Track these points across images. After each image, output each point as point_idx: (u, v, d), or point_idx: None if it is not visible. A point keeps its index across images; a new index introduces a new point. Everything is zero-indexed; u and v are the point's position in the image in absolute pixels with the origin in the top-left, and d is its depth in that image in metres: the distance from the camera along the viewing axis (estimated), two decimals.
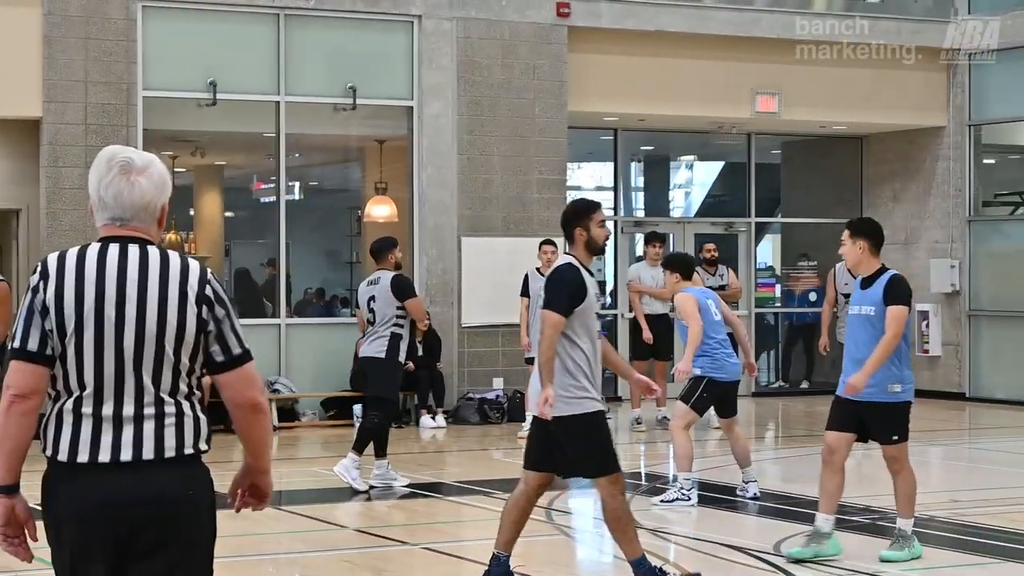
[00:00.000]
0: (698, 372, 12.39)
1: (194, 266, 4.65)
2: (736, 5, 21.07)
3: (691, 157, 26.15)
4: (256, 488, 4.90)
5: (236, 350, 4.67)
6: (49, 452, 4.59)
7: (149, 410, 4.56)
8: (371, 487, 13.15)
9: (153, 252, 4.62)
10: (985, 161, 23.07)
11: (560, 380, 8.59)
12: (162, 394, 4.58)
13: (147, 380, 4.55)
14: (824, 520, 10.02)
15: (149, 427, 4.55)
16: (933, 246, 22.64)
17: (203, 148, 19.81)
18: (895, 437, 9.94)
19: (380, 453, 13.33)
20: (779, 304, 24.20)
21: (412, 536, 11.41)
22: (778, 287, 24.28)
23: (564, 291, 8.72)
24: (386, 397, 13.49)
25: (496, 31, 19.62)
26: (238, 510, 4.96)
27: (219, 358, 4.65)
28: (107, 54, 17.76)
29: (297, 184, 20.59)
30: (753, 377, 15.08)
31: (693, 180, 26.75)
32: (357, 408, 18.03)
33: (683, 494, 12.44)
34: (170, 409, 4.58)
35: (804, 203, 24.55)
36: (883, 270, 10.10)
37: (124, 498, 4.51)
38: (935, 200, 22.69)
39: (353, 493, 12.97)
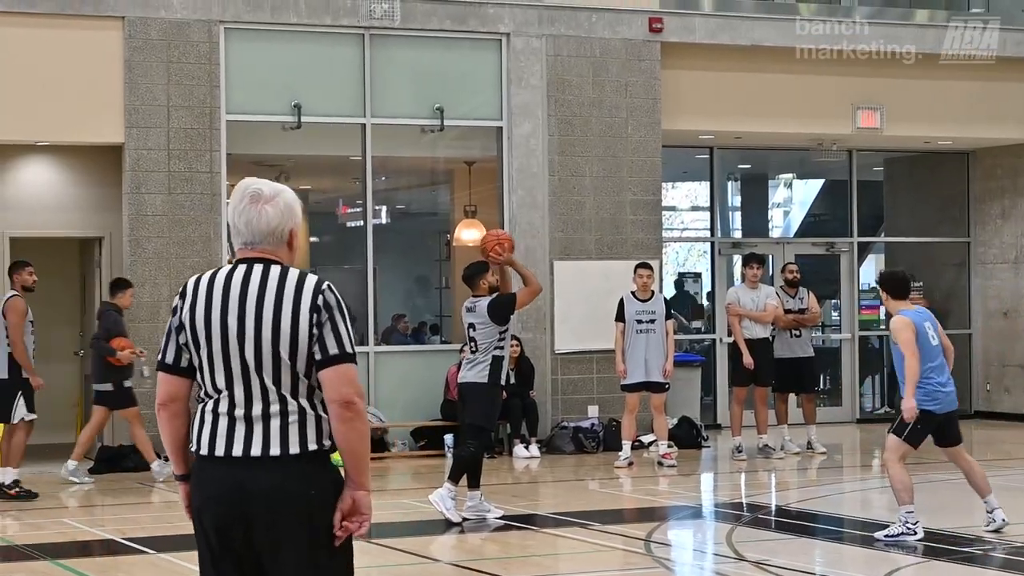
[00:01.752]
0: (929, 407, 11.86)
1: (310, 280, 5.25)
2: (835, 18, 20.89)
3: (790, 175, 25.95)
4: (355, 507, 5.23)
5: (333, 350, 5.17)
6: (193, 447, 5.29)
7: (274, 408, 5.17)
8: (464, 519, 13.08)
9: (275, 269, 5.27)
10: None
11: None
12: (284, 394, 5.18)
13: (269, 383, 5.18)
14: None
15: (275, 425, 5.17)
16: None
17: (288, 172, 19.86)
18: None
19: (474, 484, 13.26)
20: (883, 327, 23.95)
21: (507, 570, 11.34)
22: (883, 309, 24.01)
23: None
24: (483, 426, 13.41)
25: (586, 48, 19.57)
26: (339, 534, 5.24)
27: (318, 356, 5.17)
28: (189, 78, 17.86)
29: (384, 208, 20.61)
30: None
31: (792, 199, 26.54)
32: (448, 438, 17.99)
33: (908, 528, 11.86)
34: (292, 408, 5.18)
35: (909, 222, 24.29)
36: None
37: (252, 488, 5.11)
38: None
39: (447, 525, 12.92)
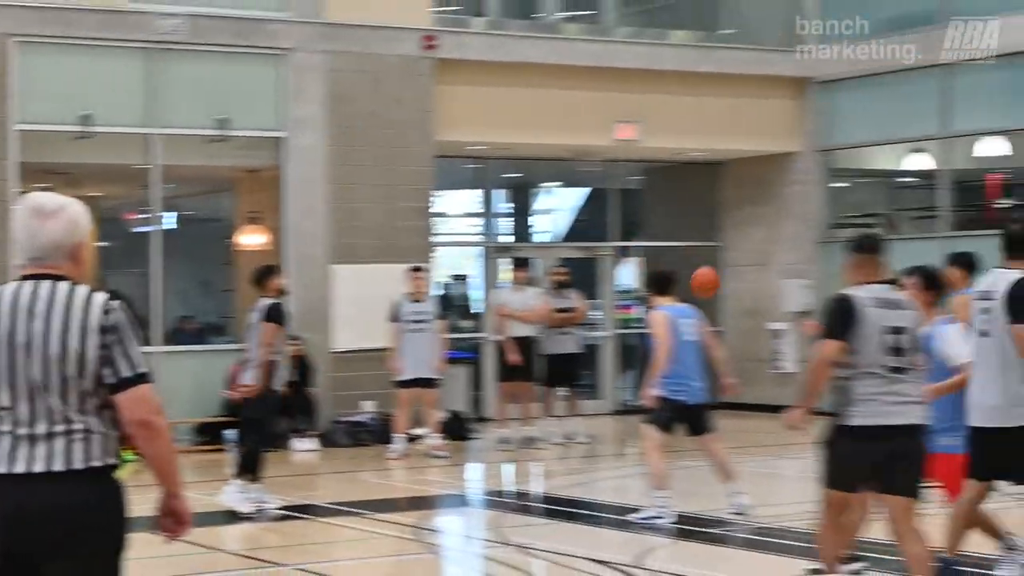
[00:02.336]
0: (663, 394, 12.34)
1: (98, 298, 5.01)
2: (597, 37, 21.39)
3: (555, 184, 26.41)
4: (173, 512, 5.19)
5: (125, 372, 4.98)
6: None
7: (59, 427, 4.94)
8: (248, 511, 13.15)
9: (62, 287, 5.01)
10: (835, 185, 23.54)
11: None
12: (71, 413, 4.95)
13: (55, 402, 4.94)
14: None
15: (59, 443, 4.93)
16: (786, 267, 23.08)
17: (78, 180, 19.68)
18: None
19: (254, 477, 13.35)
20: (639, 325, 24.48)
21: (285, 557, 11.48)
22: (638, 309, 24.56)
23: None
24: (262, 420, 13.49)
25: (364, 64, 19.74)
26: (167, 538, 5.27)
27: (110, 380, 4.98)
28: None
29: (170, 214, 20.54)
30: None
31: (557, 206, 27.02)
32: (229, 433, 18.00)
33: (660, 511, 12.30)
34: (78, 426, 4.95)
35: (664, 227, 24.89)
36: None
37: (35, 505, 4.89)
38: (788, 223, 23.13)
39: (233, 516, 12.98)
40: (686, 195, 24.90)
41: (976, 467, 9.06)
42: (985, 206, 22.99)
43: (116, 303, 5.06)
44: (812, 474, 12.33)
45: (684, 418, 12.45)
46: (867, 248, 8.57)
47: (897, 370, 8.26)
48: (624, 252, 24.54)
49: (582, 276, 21.96)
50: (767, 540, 11.52)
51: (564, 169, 24.49)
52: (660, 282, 12.91)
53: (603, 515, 13.13)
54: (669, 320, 12.35)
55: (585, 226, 25.69)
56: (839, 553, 8.71)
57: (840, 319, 8.30)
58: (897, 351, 8.25)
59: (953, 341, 9.44)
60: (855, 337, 8.27)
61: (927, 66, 21.19)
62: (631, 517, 12.45)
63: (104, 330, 4.98)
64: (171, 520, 5.21)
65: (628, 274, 24.92)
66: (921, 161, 22.41)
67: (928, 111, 21.30)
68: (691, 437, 12.70)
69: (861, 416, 8.30)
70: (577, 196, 26.86)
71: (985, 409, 8.91)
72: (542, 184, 26.31)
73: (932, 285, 9.68)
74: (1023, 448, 8.88)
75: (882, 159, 24.18)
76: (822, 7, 22.75)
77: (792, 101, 22.86)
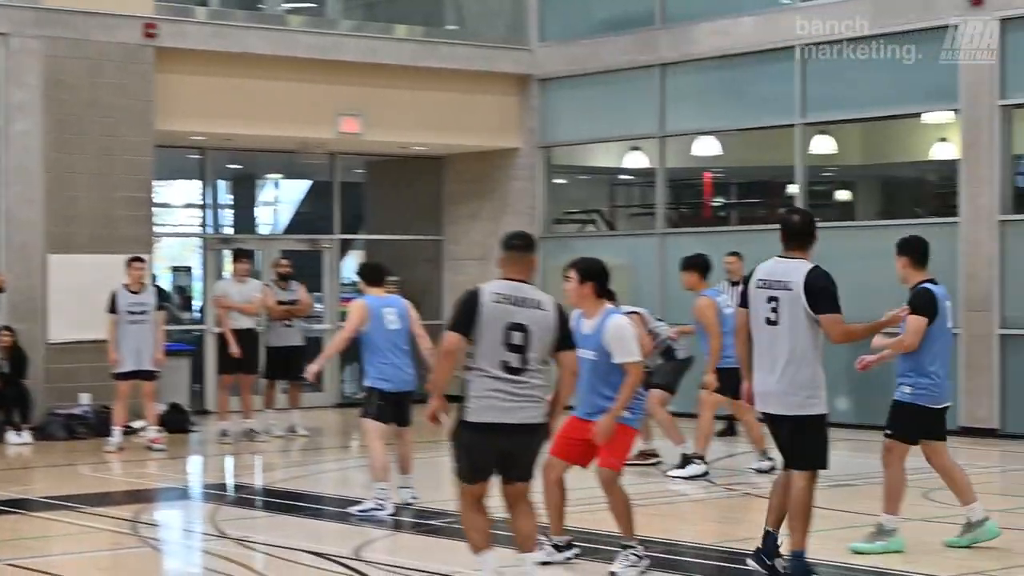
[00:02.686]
0: (368, 383, 12.51)
1: None
2: (321, 29, 21.31)
3: (278, 176, 26.25)
4: None
5: None
6: None
7: None
8: None
9: None
10: (555, 181, 23.88)
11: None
12: None
13: None
14: (973, 510, 10.62)
15: None
16: None
17: None
18: (887, 431, 10.58)
19: None
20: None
21: None
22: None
23: None
24: None
25: (83, 50, 19.31)
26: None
27: None
28: None
29: None
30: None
31: (280, 198, 26.85)
32: None
33: (379, 503, 12.34)
34: None
35: (387, 221, 24.95)
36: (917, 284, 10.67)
37: None
38: (510, 218, 23.36)
39: None
40: (409, 189, 24.98)
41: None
42: (701, 204, 23.61)
43: None
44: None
45: (391, 406, 12.51)
46: (515, 246, 8.68)
47: (515, 369, 8.37)
48: (347, 245, 24.51)
49: (305, 269, 21.85)
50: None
51: (287, 161, 24.34)
52: (370, 272, 13.02)
53: (323, 508, 13.08)
54: (366, 308, 12.47)
55: (308, 219, 25.58)
56: (486, 541, 8.81)
57: (463, 313, 8.41)
58: (518, 348, 8.34)
59: (626, 336, 9.67)
60: (476, 332, 8.39)
61: (645, 66, 21.65)
62: (351, 509, 12.45)
63: None
64: None
65: (352, 267, 24.89)
66: (639, 159, 22.87)
67: (646, 110, 21.74)
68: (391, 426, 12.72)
69: (476, 412, 8.45)
70: (300, 188, 26.74)
71: (771, 395, 9.17)
72: (265, 176, 26.13)
73: (590, 277, 9.85)
74: (806, 434, 9.17)
75: (602, 156, 24.64)
76: (544, 6, 23.07)
77: (514, 98, 23.11)
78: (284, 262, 19.53)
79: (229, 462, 17.16)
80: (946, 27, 18.33)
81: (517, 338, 8.31)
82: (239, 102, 20.75)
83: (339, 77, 21.43)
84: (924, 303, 10.43)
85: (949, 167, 19.72)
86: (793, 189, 20.37)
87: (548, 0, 23.13)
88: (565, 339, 8.56)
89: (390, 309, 12.54)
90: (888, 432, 10.53)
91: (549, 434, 8.74)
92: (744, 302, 9.31)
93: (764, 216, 23.40)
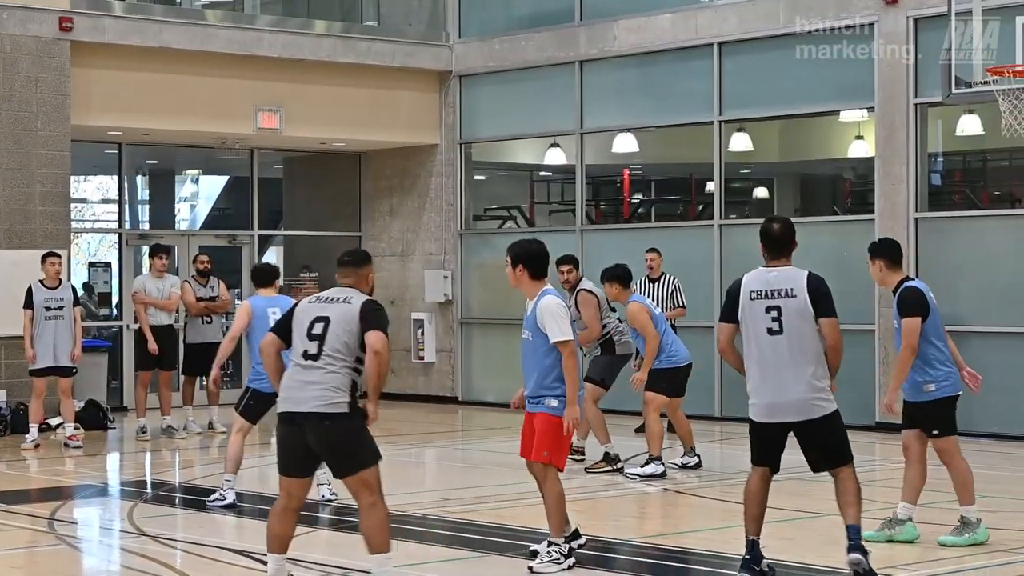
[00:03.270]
0: (247, 382, 12.68)
1: None
2: (239, 24, 21.17)
3: (196, 171, 26.06)
4: None
5: None
6: None
7: None
8: None
9: None
10: (476, 177, 23.87)
11: None
12: None
13: None
14: (903, 508, 10.66)
15: None
16: (428, 257, 23.30)
17: None
18: (935, 432, 10.55)
19: None
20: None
21: None
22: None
23: None
24: None
25: None
26: None
27: None
28: None
29: None
30: None
31: (199, 194, 26.67)
32: None
33: (221, 494, 12.64)
34: None
35: (306, 217, 24.84)
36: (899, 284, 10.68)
37: None
38: (429, 214, 23.34)
39: None
40: (329, 185, 24.89)
41: (760, 453, 9.30)
42: (620, 200, 23.66)
43: None
44: (452, 462, 12.55)
45: (264, 405, 12.48)
46: (344, 262, 8.93)
47: (312, 355, 8.51)
48: (266, 241, 24.39)
49: (224, 264, 21.71)
50: (403, 527, 11.59)
51: (206, 157, 24.16)
52: (258, 274, 13.24)
53: (241, 504, 13.00)
54: (251, 309, 12.69)
55: (227, 214, 25.42)
56: (286, 541, 8.81)
57: (283, 318, 8.86)
58: (317, 337, 8.51)
59: (556, 314, 9.75)
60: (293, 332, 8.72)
61: (564, 63, 21.67)
62: (207, 500, 12.69)
63: None
64: None
65: (272, 263, 24.75)
66: (558, 155, 22.89)
67: (564, 107, 21.76)
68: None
69: (280, 403, 8.66)
70: (219, 184, 26.55)
71: (792, 405, 9.04)
72: (184, 171, 25.93)
73: (519, 261, 9.98)
74: (835, 432, 9.18)
75: (521, 153, 24.65)
76: (464, 2, 23.03)
77: (433, 94, 23.07)
78: (203, 258, 19.38)
79: (147, 459, 17.03)
80: (862, 26, 18.47)
81: (318, 328, 8.55)
82: (157, 97, 20.57)
83: (257, 72, 21.31)
84: (914, 303, 10.49)
85: (865, 165, 19.89)
86: (711, 186, 20.45)
87: None
88: (368, 325, 8.53)
89: (275, 309, 12.54)
90: (934, 433, 10.58)
91: (356, 424, 8.54)
92: (726, 316, 9.23)
93: (682, 213, 23.51)
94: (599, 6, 21.57)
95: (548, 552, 9.84)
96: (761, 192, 24.49)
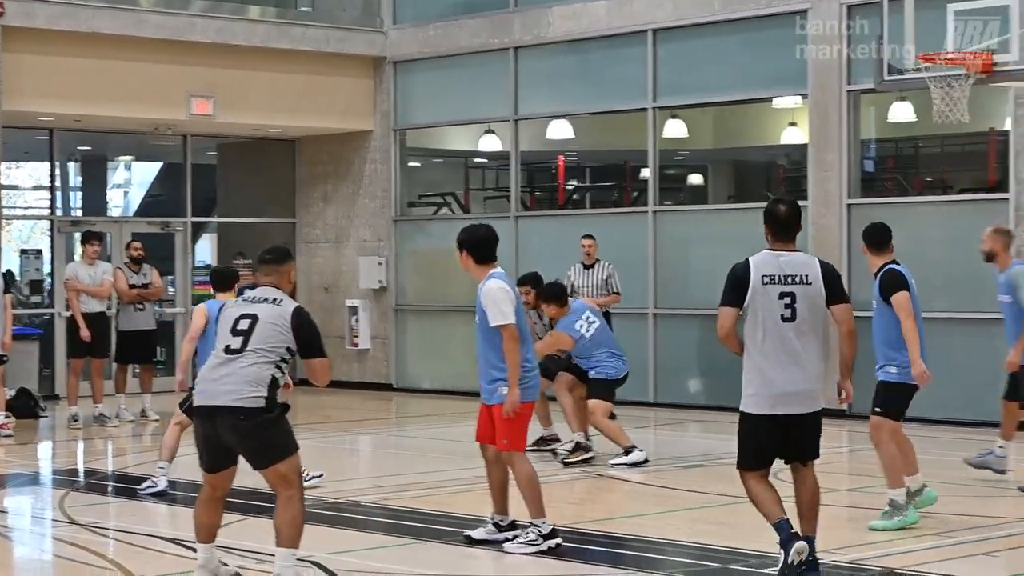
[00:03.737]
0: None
1: None
2: (171, 9, 21.01)
3: (129, 157, 25.88)
4: None
5: None
6: None
7: None
8: None
9: None
10: (410, 164, 23.81)
11: None
12: None
13: None
14: (910, 480, 10.74)
15: None
16: (362, 244, 23.23)
17: None
18: (877, 409, 10.72)
19: None
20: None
21: None
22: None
23: None
24: None
25: None
26: None
27: None
28: None
29: None
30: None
31: (132, 180, 26.48)
32: None
33: (153, 481, 12.67)
34: None
35: (240, 203, 24.71)
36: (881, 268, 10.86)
37: None
38: (364, 201, 23.27)
39: None
40: (263, 171, 24.77)
41: (759, 454, 8.81)
42: (555, 187, 23.66)
43: None
44: (387, 449, 12.53)
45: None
46: (265, 260, 8.87)
47: (234, 350, 8.48)
48: (200, 228, 24.25)
49: (157, 251, 21.56)
50: (337, 514, 11.56)
51: (139, 143, 23.98)
52: (219, 278, 13.07)
53: (175, 493, 12.92)
54: (207, 313, 12.57)
55: (160, 201, 25.24)
56: (213, 530, 8.82)
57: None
58: (240, 334, 8.52)
59: (497, 298, 9.93)
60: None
61: (498, 49, 21.64)
62: (138, 488, 12.72)
63: None
64: None
65: (205, 250, 24.64)
66: (493, 142, 22.86)
67: (499, 93, 21.73)
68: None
69: (196, 397, 8.66)
70: (152, 170, 26.36)
71: (799, 395, 8.63)
72: (116, 157, 25.74)
73: (464, 247, 10.31)
74: (819, 426, 8.85)
75: (456, 139, 24.61)
76: None
77: (368, 80, 23.00)
78: (136, 245, 19.23)
79: (79, 447, 16.90)
80: (795, 13, 18.54)
81: (244, 324, 8.55)
82: (89, 83, 20.40)
83: (191, 58, 21.16)
84: (893, 283, 10.67)
85: (799, 151, 19.97)
86: (646, 173, 20.48)
87: None
88: (309, 350, 8.61)
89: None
90: (876, 410, 10.70)
91: (272, 417, 8.47)
92: (733, 300, 8.68)
93: (616, 199, 23.54)
94: None
95: (527, 533, 9.89)
96: (696, 179, 24.57)
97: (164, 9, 20.94)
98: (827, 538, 9.54)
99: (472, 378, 21.65)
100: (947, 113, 14.13)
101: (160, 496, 12.50)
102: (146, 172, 26.36)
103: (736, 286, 8.69)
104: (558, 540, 9.96)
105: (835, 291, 8.74)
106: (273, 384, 8.47)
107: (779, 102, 20.93)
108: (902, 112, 19.91)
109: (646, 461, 14.04)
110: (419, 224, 23.26)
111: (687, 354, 19.84)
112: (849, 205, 18.29)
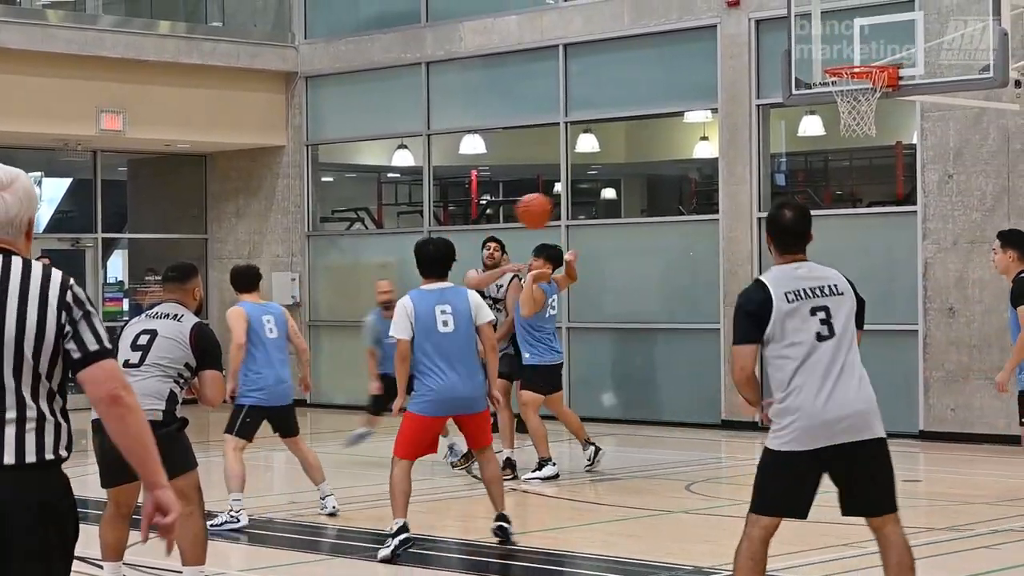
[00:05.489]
0: (247, 401, 11.65)
1: (56, 275, 4.60)
2: (81, 24, 20.86)
3: (38, 173, 25.61)
4: (158, 507, 4.58)
5: (93, 347, 4.51)
6: None
7: (11, 413, 4.44)
8: None
9: (16, 262, 4.58)
10: (323, 179, 23.74)
11: None
12: (24, 396, 4.46)
13: (9, 383, 4.44)
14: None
15: (10, 432, 4.44)
16: (275, 260, 23.13)
17: None
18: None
19: None
20: (127, 318, 24.05)
21: None
22: (126, 301, 24.14)
23: None
24: None
25: None
26: (145, 540, 4.73)
27: (76, 355, 4.50)
28: None
29: None
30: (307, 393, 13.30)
31: (41, 196, 26.21)
32: None
33: (231, 516, 11.44)
34: (32, 413, 4.47)
35: (151, 219, 24.55)
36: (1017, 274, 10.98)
37: None
38: (276, 216, 23.18)
39: None
40: (174, 187, 24.63)
41: (770, 501, 7.17)
42: (468, 201, 23.69)
43: (73, 281, 4.64)
44: (300, 466, 12.41)
45: (262, 419, 12.02)
46: (168, 278, 8.99)
47: (131, 364, 8.47)
48: (110, 244, 24.07)
49: (67, 268, 21.32)
50: (250, 531, 11.48)
51: (48, 158, 23.78)
52: (243, 278, 12.24)
53: (88, 511, 12.80)
54: (246, 316, 11.77)
55: (70, 217, 25.04)
56: (120, 548, 8.77)
57: (116, 335, 8.67)
58: (139, 348, 8.57)
59: (396, 313, 10.20)
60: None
61: (410, 64, 21.63)
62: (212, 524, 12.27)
63: (65, 307, 4.54)
64: (157, 514, 4.57)
65: (116, 266, 24.46)
66: (406, 157, 22.85)
67: (412, 108, 21.72)
68: (282, 439, 12.31)
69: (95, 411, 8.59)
70: (61, 186, 26.15)
71: (852, 419, 6.96)
72: (26, 173, 25.45)
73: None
74: (888, 461, 7.15)
75: (369, 154, 24.58)
76: (310, 3, 22.90)
77: (279, 95, 22.93)
78: (45, 261, 18.97)
79: None
80: (705, 27, 18.67)
81: (143, 339, 8.59)
82: None
83: (100, 73, 21.01)
84: None
85: (710, 165, 20.10)
86: (558, 187, 20.53)
87: None
88: (206, 360, 8.54)
89: (268, 317, 11.87)
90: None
91: (169, 432, 8.29)
92: (751, 333, 7.07)
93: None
94: (445, 7, 21.57)
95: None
96: (608, 193, 24.66)
97: (73, 24, 20.79)
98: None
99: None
100: (854, 127, 14.25)
101: (239, 532, 11.42)
102: (55, 188, 26.13)
103: (752, 315, 7.07)
104: (407, 536, 10.02)
105: (860, 313, 7.28)
106: (172, 399, 8.42)
107: (690, 116, 21.07)
108: (811, 126, 20.11)
109: (558, 476, 14.03)
110: (332, 239, 23.20)
111: (601, 368, 19.90)
112: (760, 219, 18.43)
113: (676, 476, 11.33)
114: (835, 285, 7.17)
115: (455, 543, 11.20)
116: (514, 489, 13.69)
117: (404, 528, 10.05)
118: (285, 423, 11.90)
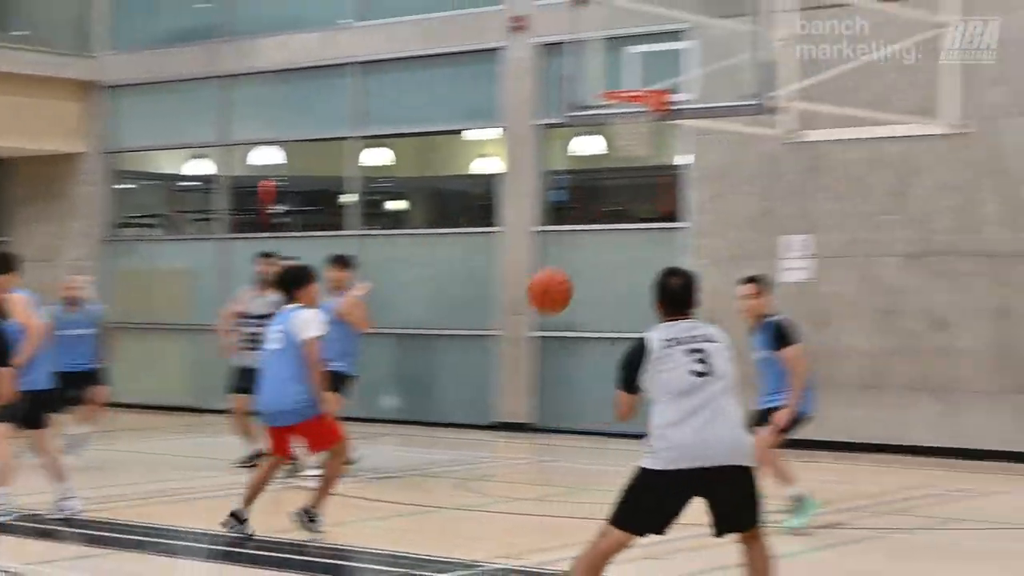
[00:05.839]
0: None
1: None
2: None
3: None
4: None
5: None
6: None
7: None
8: None
9: None
10: (122, 186, 23.34)
11: None
12: None
13: None
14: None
15: None
16: (73, 263, 22.65)
17: None
18: None
19: None
20: None
21: None
22: None
23: None
24: None
25: None
26: None
27: None
28: None
29: None
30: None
31: None
32: None
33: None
34: None
35: None
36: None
37: None
38: (74, 222, 22.74)
39: None
40: None
41: (644, 515, 7.08)
42: (259, 210, 23.45)
43: None
44: (91, 463, 12.15)
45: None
46: None
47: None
48: None
49: None
50: (39, 526, 11.22)
51: None
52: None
53: None
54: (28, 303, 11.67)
55: None
56: None
57: None
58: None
59: (307, 321, 10.20)
60: None
61: (211, 76, 21.39)
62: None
63: None
64: None
65: None
66: (201, 166, 22.57)
67: (209, 119, 21.48)
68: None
69: None
70: None
71: (722, 444, 7.00)
72: None
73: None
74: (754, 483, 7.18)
75: (166, 163, 24.24)
76: (113, 15, 22.54)
77: (80, 103, 22.50)
78: None
79: None
80: (491, 50, 18.78)
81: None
82: None
83: None
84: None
85: (490, 181, 20.19)
86: (349, 199, 20.45)
87: (118, 9, 22.61)
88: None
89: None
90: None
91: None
92: (623, 384, 7.26)
93: (321, 224, 23.41)
94: (246, 23, 21.38)
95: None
96: (398, 205, 24.61)
97: None
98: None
99: (178, 393, 21.34)
100: (627, 147, 14.43)
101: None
102: None
103: (629, 363, 7.24)
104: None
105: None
106: None
107: (471, 134, 21.16)
108: (588, 145, 20.31)
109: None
110: (128, 244, 22.79)
111: (383, 370, 19.84)
112: (536, 232, 18.57)
113: (450, 474, 11.34)
114: (712, 335, 7.22)
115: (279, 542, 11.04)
116: (297, 487, 13.59)
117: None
118: (33, 411, 11.28)
